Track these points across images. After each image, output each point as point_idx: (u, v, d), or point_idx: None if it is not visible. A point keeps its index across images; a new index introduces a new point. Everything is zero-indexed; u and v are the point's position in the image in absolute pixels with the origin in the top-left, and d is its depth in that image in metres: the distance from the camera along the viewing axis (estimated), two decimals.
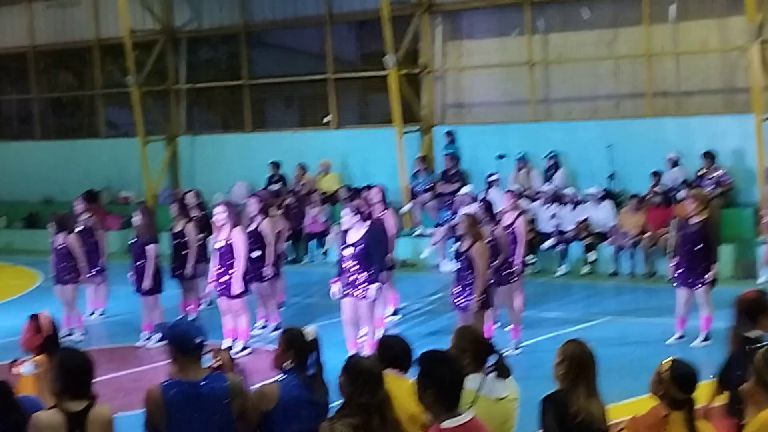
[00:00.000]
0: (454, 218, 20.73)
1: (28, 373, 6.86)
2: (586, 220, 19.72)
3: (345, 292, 13.00)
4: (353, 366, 5.99)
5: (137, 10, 26.48)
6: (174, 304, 15.90)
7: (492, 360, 6.63)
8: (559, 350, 6.29)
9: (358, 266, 12.83)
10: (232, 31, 26.25)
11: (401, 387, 6.45)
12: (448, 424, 5.51)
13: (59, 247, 15.68)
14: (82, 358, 6.31)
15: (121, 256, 17.46)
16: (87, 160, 27.98)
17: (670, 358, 6.02)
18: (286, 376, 6.54)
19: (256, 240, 15.00)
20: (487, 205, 14.03)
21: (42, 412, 6.00)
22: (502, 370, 6.65)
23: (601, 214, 19.68)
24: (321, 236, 22.24)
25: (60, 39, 28.99)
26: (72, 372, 6.15)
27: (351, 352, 12.84)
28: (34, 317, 7.27)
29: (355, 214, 13.08)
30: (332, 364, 6.37)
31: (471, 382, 6.30)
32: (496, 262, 13.39)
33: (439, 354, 5.94)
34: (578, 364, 6.17)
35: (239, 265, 13.85)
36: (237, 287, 13.88)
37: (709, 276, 13.48)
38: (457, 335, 6.80)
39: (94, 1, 28.01)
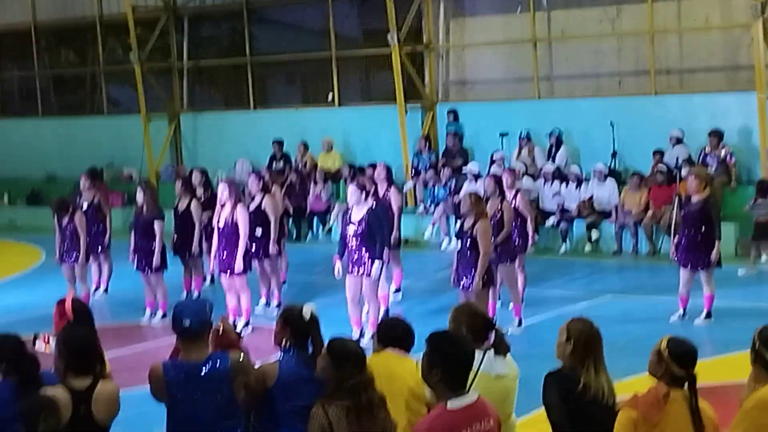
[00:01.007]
0: (451, 196, 20.88)
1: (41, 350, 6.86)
2: (590, 198, 19.70)
3: (349, 270, 13.03)
4: (339, 349, 6.02)
5: None
6: (176, 282, 15.94)
7: (491, 337, 6.64)
8: (563, 328, 6.25)
9: (361, 244, 12.84)
10: (235, 8, 26.20)
11: (403, 365, 6.49)
12: (453, 404, 5.49)
13: (64, 226, 15.61)
14: (84, 335, 6.33)
15: (123, 234, 17.46)
16: (89, 137, 27.95)
17: (667, 335, 6.03)
18: (285, 354, 6.56)
19: (258, 217, 14.99)
20: (497, 179, 14.02)
21: (48, 388, 6.02)
22: (501, 347, 6.66)
23: (605, 192, 19.66)
24: (324, 214, 22.25)
25: (62, 15, 28.92)
26: (75, 349, 6.17)
27: (355, 330, 12.91)
28: (60, 303, 7.23)
29: (361, 192, 13.09)
30: None
31: None
32: (499, 238, 13.41)
33: (450, 334, 5.96)
34: (585, 341, 6.14)
35: (242, 243, 13.87)
36: (239, 265, 13.90)
37: (712, 257, 13.47)
38: (455, 311, 6.83)
39: None
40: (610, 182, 19.71)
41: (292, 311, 6.62)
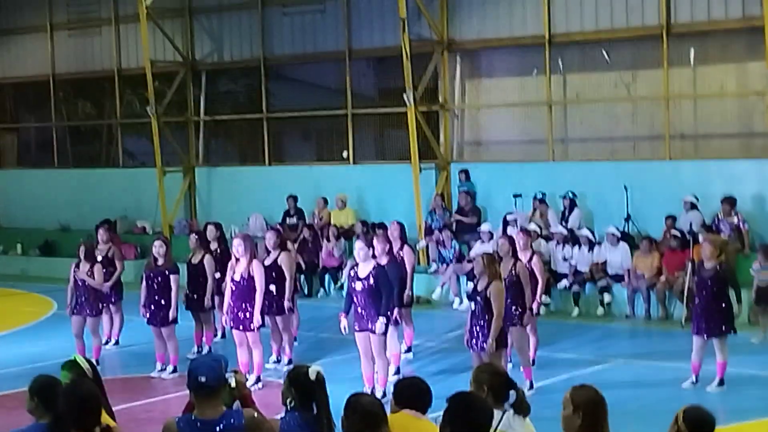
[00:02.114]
0: (460, 257, 20.89)
1: None
2: (604, 261, 19.66)
3: (356, 327, 13.03)
4: (352, 404, 6.06)
5: (158, 41, 26.69)
6: (185, 335, 15.92)
7: (512, 396, 6.61)
8: (567, 399, 6.00)
9: (368, 301, 12.86)
10: (252, 65, 26.39)
11: (419, 427, 6.45)
12: None
13: (81, 276, 15.48)
14: (84, 390, 6.29)
15: (136, 286, 17.47)
16: (104, 189, 28.10)
17: (686, 405, 5.96)
18: (288, 413, 6.53)
19: (272, 273, 15.00)
20: (511, 240, 14.01)
21: None
22: (522, 407, 6.63)
23: (617, 256, 19.62)
24: (336, 271, 22.26)
25: (81, 68, 29.22)
26: (74, 404, 6.14)
27: (366, 387, 12.87)
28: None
29: (368, 248, 13.12)
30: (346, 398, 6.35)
31: None
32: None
33: (468, 395, 5.92)
34: (593, 411, 5.93)
35: (258, 299, 13.87)
36: (257, 320, 13.90)
37: (735, 310, 13.49)
38: (476, 371, 6.80)
39: (115, 32, 28.23)
40: (623, 246, 19.67)
41: (298, 371, 6.59)
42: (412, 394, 6.68)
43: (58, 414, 6.07)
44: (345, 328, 13.18)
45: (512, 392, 6.63)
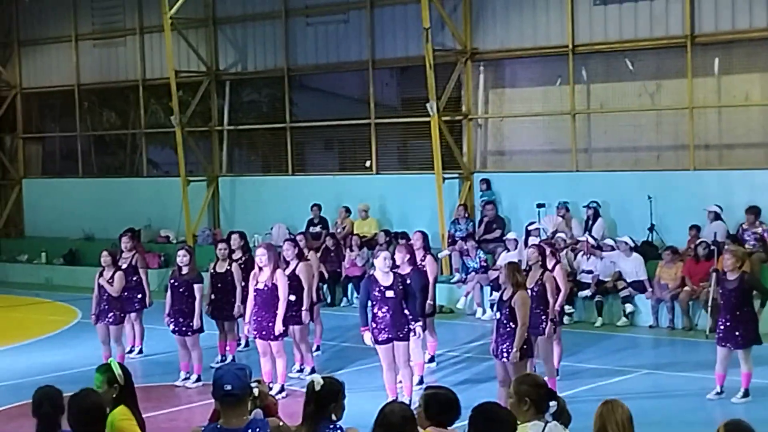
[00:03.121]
0: (484, 266, 20.88)
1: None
2: (618, 271, 19.66)
3: (380, 339, 13.04)
4: (381, 415, 6.09)
5: (183, 51, 26.79)
6: (208, 344, 15.95)
7: (553, 407, 6.59)
8: (597, 417, 6.18)
9: (394, 311, 12.86)
10: (276, 75, 26.44)
11: None
12: None
13: (105, 283, 15.54)
14: (88, 401, 6.31)
15: (159, 295, 17.52)
16: (128, 198, 28.21)
17: (727, 419, 5.94)
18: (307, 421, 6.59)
19: (292, 284, 15.00)
20: (541, 250, 13.99)
21: None
22: (563, 417, 6.61)
23: (630, 266, 19.58)
24: (359, 280, 22.23)
25: (105, 78, 29.38)
26: (80, 415, 6.17)
27: (390, 398, 12.85)
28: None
29: (391, 257, 13.20)
30: (368, 408, 6.36)
31: (532, 428, 6.37)
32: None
33: (494, 408, 5.94)
34: (624, 428, 6.08)
35: (281, 307, 13.88)
36: (279, 329, 13.90)
37: (751, 338, 13.38)
38: (516, 382, 6.76)
39: (140, 42, 28.37)
40: (636, 256, 19.62)
41: (310, 383, 6.66)
42: (441, 404, 6.65)
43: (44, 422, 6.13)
44: (371, 340, 13.14)
45: (553, 402, 6.61)
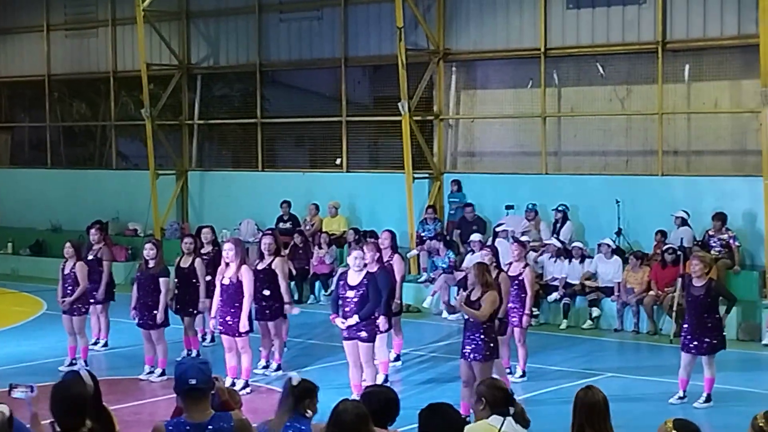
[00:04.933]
0: (449, 266, 20.92)
1: (20, 398, 6.81)
2: (594, 274, 19.72)
3: (346, 336, 13.06)
4: (334, 414, 6.13)
5: (155, 44, 26.70)
6: (175, 338, 15.91)
7: (510, 412, 6.66)
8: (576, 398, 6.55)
9: (359, 309, 12.90)
10: (248, 70, 26.39)
11: None
12: None
13: (68, 273, 15.59)
14: (73, 389, 6.30)
15: (126, 288, 17.45)
16: (96, 190, 28.09)
17: (673, 417, 6.02)
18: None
19: (267, 278, 15.00)
20: (494, 252, 14.04)
21: None
22: (522, 421, 6.70)
23: (610, 269, 19.66)
24: (326, 277, 22.26)
25: (76, 69, 29.23)
26: (61, 403, 6.15)
27: (354, 395, 12.87)
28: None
29: (363, 257, 13.19)
30: (333, 405, 6.37)
31: (493, 421, 6.54)
32: (500, 313, 13.37)
33: (441, 408, 6.01)
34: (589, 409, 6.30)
35: (246, 303, 13.87)
36: (244, 325, 13.89)
37: (716, 344, 13.47)
38: (478, 386, 6.91)
39: (112, 34, 28.24)
40: (616, 259, 19.71)
41: (288, 380, 6.73)
42: (380, 403, 6.59)
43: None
44: (342, 323, 13.11)
45: (511, 408, 6.68)
